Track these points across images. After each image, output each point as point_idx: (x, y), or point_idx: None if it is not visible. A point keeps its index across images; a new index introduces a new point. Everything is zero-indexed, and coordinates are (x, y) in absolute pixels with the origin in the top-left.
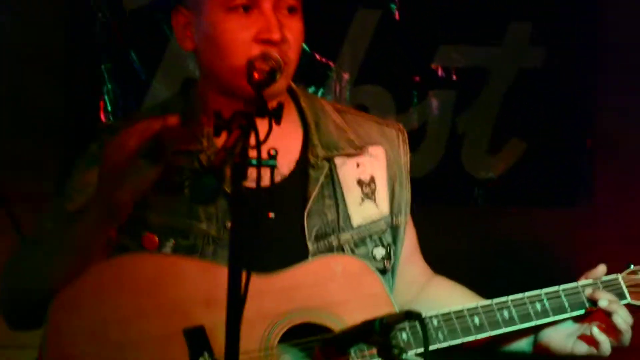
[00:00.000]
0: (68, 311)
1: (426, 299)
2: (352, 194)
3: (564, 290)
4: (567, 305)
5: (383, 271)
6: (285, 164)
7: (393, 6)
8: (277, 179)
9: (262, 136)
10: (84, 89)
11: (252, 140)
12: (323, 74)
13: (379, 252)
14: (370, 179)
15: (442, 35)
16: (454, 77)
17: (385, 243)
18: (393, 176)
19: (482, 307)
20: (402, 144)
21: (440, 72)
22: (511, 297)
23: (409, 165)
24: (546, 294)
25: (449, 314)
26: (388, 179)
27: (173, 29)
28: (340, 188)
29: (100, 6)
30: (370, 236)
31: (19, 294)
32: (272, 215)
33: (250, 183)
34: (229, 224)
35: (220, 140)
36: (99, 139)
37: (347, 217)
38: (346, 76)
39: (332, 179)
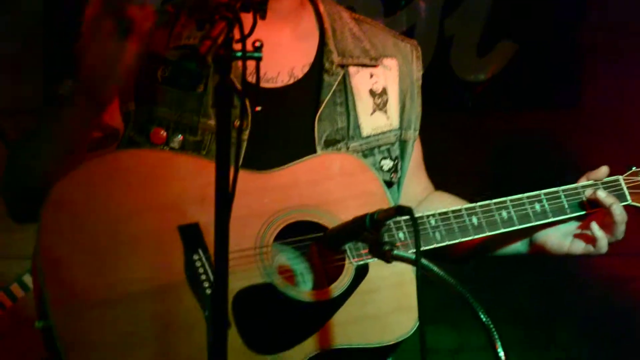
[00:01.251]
0: (59, 209)
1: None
2: (363, 104)
3: (564, 191)
4: (567, 206)
5: (389, 184)
6: (300, 67)
7: None
8: (291, 80)
9: (248, 29)
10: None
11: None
12: None
13: (387, 163)
14: (383, 90)
15: None
16: None
17: (393, 156)
18: (405, 90)
19: (481, 207)
20: (415, 59)
21: None
22: (510, 197)
23: (421, 82)
24: (545, 194)
25: (446, 213)
26: (400, 93)
27: None
28: (353, 97)
29: None
30: (379, 147)
31: (18, 190)
32: (258, 109)
33: (264, 83)
34: (236, 122)
35: (215, 30)
36: None
37: (357, 126)
38: None
39: (345, 86)
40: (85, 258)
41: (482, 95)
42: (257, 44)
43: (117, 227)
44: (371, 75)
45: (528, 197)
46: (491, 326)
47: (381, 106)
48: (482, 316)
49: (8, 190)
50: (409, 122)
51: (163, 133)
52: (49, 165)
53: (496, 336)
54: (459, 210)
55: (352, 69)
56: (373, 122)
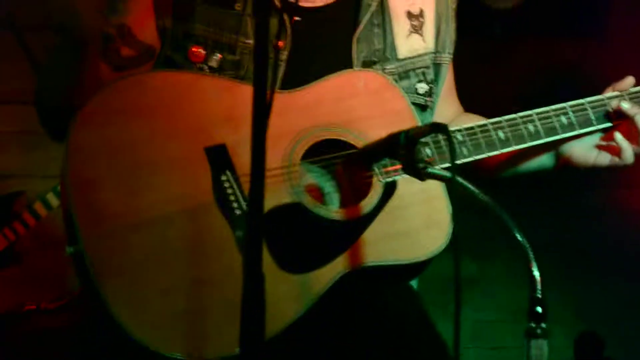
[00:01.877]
0: (86, 130)
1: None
2: (400, 25)
3: (589, 102)
4: (593, 117)
5: (424, 107)
6: None
7: None
8: (330, 0)
9: None
10: None
11: None
12: None
13: (422, 87)
14: (420, 12)
15: None
16: None
17: (428, 79)
18: (440, 13)
19: (507, 120)
20: None
21: None
22: (536, 110)
23: (456, 6)
24: (571, 106)
25: (472, 128)
26: (435, 16)
27: None
28: (390, 18)
29: None
30: (414, 70)
31: (48, 109)
32: (297, 19)
33: (305, 2)
34: (276, 42)
35: None
36: None
37: (394, 48)
38: None
39: (383, 7)
40: (114, 180)
41: (511, 23)
42: None
43: (144, 149)
44: None
45: (554, 110)
46: (527, 245)
47: (418, 28)
48: (518, 236)
49: (41, 109)
50: (443, 45)
51: (201, 51)
52: (71, 84)
53: (531, 255)
54: (485, 125)
55: None
56: (409, 44)
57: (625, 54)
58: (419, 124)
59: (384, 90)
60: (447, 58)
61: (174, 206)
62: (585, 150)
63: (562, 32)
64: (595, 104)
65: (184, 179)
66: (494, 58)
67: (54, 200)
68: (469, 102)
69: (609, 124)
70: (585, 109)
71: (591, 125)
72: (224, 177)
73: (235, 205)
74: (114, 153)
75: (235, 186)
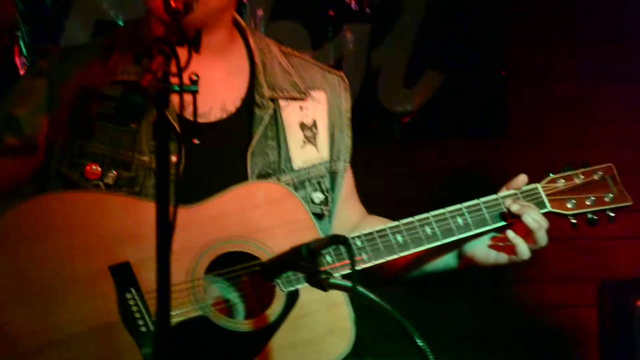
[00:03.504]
0: None
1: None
2: (294, 137)
3: (484, 202)
4: (488, 217)
5: (320, 216)
6: (232, 101)
7: None
8: (224, 115)
9: (183, 63)
10: None
11: (174, 68)
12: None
13: (318, 196)
14: (313, 123)
15: None
16: (368, 10)
17: (324, 188)
18: (334, 122)
19: (404, 224)
20: (343, 91)
21: (354, 5)
22: (432, 212)
23: (350, 113)
24: (467, 207)
25: (371, 233)
26: (329, 125)
27: None
28: (284, 130)
29: None
30: (310, 180)
31: None
32: (196, 141)
33: (200, 118)
34: (172, 158)
35: (155, 64)
36: (50, 58)
37: (289, 159)
38: (260, 12)
39: (276, 120)
40: (22, 303)
41: (410, 126)
42: (194, 77)
43: (50, 270)
44: (301, 108)
45: (450, 212)
46: (427, 351)
47: (311, 139)
48: (418, 341)
49: None
50: (338, 153)
51: (97, 168)
52: None
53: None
54: (383, 229)
55: (282, 102)
56: (304, 154)
57: (525, 149)
58: (319, 232)
59: (284, 200)
60: (342, 166)
61: (82, 326)
62: (485, 249)
63: (464, 133)
64: (490, 203)
65: (90, 298)
66: (395, 161)
67: None
68: (373, 205)
69: (503, 223)
70: (481, 209)
71: (486, 225)
72: (128, 295)
73: (141, 322)
74: (21, 275)
75: (140, 303)
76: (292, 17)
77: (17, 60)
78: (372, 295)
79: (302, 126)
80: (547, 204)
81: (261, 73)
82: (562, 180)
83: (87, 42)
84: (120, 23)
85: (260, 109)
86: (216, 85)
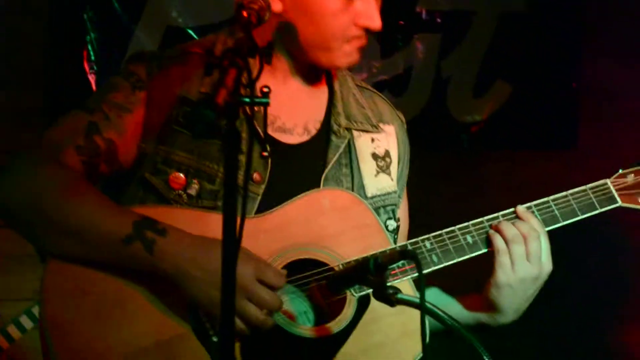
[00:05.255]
0: (60, 275)
1: None
2: (367, 166)
3: (571, 194)
4: (593, 203)
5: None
6: (312, 123)
7: None
8: (304, 137)
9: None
10: (65, 38)
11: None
12: None
13: (391, 224)
14: (385, 153)
15: None
16: (439, 20)
17: (396, 217)
18: (401, 156)
19: (473, 224)
20: (405, 132)
21: (424, 15)
22: (502, 212)
23: (410, 154)
24: (553, 200)
25: (440, 234)
26: (399, 157)
27: None
28: (357, 159)
29: None
30: (385, 207)
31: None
32: (265, 153)
33: (281, 133)
34: (255, 176)
35: (229, 78)
36: (148, 65)
37: (362, 187)
38: None
39: (350, 149)
40: (91, 321)
41: (478, 136)
42: (265, 89)
43: (119, 283)
44: (372, 140)
45: (526, 207)
46: None
47: (384, 168)
48: (485, 358)
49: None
50: (402, 186)
51: (182, 178)
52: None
53: None
54: (452, 230)
55: (355, 133)
56: (378, 182)
57: (593, 162)
58: (388, 236)
59: (351, 206)
60: (401, 199)
61: (152, 338)
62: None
63: (531, 144)
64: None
65: (159, 310)
66: (462, 171)
67: (27, 322)
68: (437, 213)
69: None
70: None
71: (594, 209)
72: (201, 310)
73: (211, 332)
74: (88, 295)
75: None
76: None
77: (86, 66)
78: (440, 312)
79: (375, 156)
80: (618, 199)
81: (339, 101)
82: (632, 175)
83: (182, 50)
84: (190, 30)
85: (336, 137)
86: (301, 102)
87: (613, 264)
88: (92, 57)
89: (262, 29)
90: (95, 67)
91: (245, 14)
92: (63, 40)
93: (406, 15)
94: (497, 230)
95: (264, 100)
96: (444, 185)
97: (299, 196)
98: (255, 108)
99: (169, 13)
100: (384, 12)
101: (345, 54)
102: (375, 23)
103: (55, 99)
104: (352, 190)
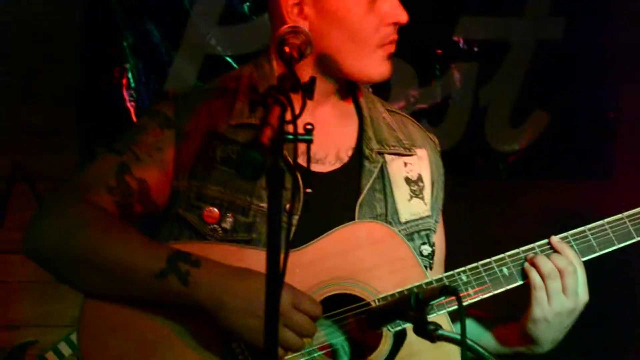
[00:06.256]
0: (96, 314)
1: None
2: (400, 191)
3: (608, 223)
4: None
5: (427, 269)
6: (344, 150)
7: None
8: (337, 164)
9: (297, 111)
10: (103, 65)
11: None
12: None
13: (426, 249)
14: (418, 177)
15: (463, 6)
16: (476, 49)
17: (431, 242)
18: (434, 179)
19: (509, 256)
20: (439, 155)
21: (462, 44)
22: (537, 243)
23: (444, 177)
24: (572, 235)
25: (476, 267)
26: (431, 181)
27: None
28: (390, 184)
29: None
30: (419, 232)
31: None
32: (309, 190)
33: (314, 164)
34: (287, 206)
35: (273, 116)
36: (174, 104)
37: (396, 212)
38: None
39: (383, 173)
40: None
41: (516, 165)
42: (309, 126)
43: (154, 322)
44: (405, 164)
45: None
46: None
47: (417, 192)
48: None
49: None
50: (437, 211)
51: (216, 212)
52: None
53: None
54: (489, 262)
55: (387, 157)
56: (411, 208)
57: (632, 193)
58: (423, 269)
59: (386, 239)
60: (436, 223)
61: None
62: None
63: (569, 174)
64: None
65: (194, 349)
66: (500, 199)
67: (66, 349)
68: (474, 242)
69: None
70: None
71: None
72: (234, 344)
73: None
74: (122, 331)
75: (246, 352)
76: (399, 55)
77: (125, 93)
78: (480, 349)
79: (408, 181)
80: (634, 234)
81: (369, 126)
82: None
83: (209, 84)
84: (228, 59)
85: (369, 162)
86: (331, 131)
87: None
88: (132, 84)
89: (303, 62)
90: (134, 95)
91: (287, 49)
92: (99, 67)
93: (443, 44)
94: (533, 264)
95: (307, 137)
96: (482, 214)
97: (333, 230)
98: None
99: (207, 42)
100: (423, 42)
101: (378, 62)
102: (403, 17)
103: (92, 126)
104: (386, 215)
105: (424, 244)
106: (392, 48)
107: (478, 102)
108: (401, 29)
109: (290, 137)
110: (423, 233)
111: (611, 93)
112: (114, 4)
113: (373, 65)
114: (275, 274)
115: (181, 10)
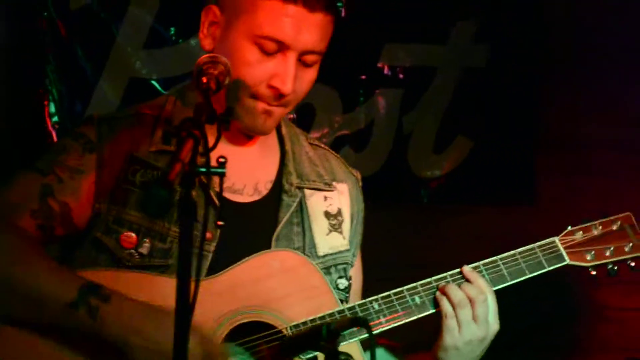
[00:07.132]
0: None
1: None
2: (319, 225)
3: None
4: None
5: (342, 302)
6: (263, 183)
7: (340, 4)
8: (255, 196)
9: (211, 143)
10: (27, 90)
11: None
12: None
13: (343, 283)
14: (338, 211)
15: (389, 33)
16: (401, 76)
17: (348, 275)
18: (354, 213)
19: (422, 284)
20: (360, 190)
21: (386, 71)
22: (450, 272)
23: (364, 212)
24: (501, 258)
25: (389, 295)
26: (351, 215)
27: (200, 22)
28: (309, 218)
29: (46, 4)
30: (336, 266)
31: None
32: (221, 223)
33: (232, 193)
34: (207, 234)
35: (185, 150)
36: (97, 128)
37: (313, 246)
38: None
39: (302, 207)
40: None
41: (438, 191)
42: (221, 159)
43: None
44: (325, 198)
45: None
46: None
47: (336, 227)
48: None
49: None
50: (356, 244)
51: (133, 237)
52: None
53: None
54: (400, 291)
55: (307, 191)
56: (329, 241)
57: (553, 216)
58: (335, 297)
59: (299, 267)
60: (354, 258)
61: None
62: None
63: (490, 200)
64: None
65: None
66: (421, 225)
67: None
68: (398, 269)
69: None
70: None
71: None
72: None
73: None
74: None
75: None
76: (324, 80)
77: (48, 119)
78: None
79: (327, 215)
80: (566, 257)
81: (291, 161)
82: (580, 232)
83: (132, 110)
84: (154, 82)
85: (288, 196)
86: (251, 163)
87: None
88: (52, 109)
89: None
90: (56, 118)
91: (204, 79)
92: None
93: (368, 70)
94: (445, 293)
95: (220, 170)
96: (403, 239)
97: (247, 258)
98: None
99: (132, 64)
100: (347, 68)
101: (249, 111)
102: (285, 87)
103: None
104: (304, 249)
105: (340, 277)
106: (268, 107)
107: (402, 128)
108: (327, 54)
109: (203, 169)
110: (340, 267)
111: (530, 118)
112: (41, 26)
113: (245, 113)
114: (185, 303)
115: (107, 34)
